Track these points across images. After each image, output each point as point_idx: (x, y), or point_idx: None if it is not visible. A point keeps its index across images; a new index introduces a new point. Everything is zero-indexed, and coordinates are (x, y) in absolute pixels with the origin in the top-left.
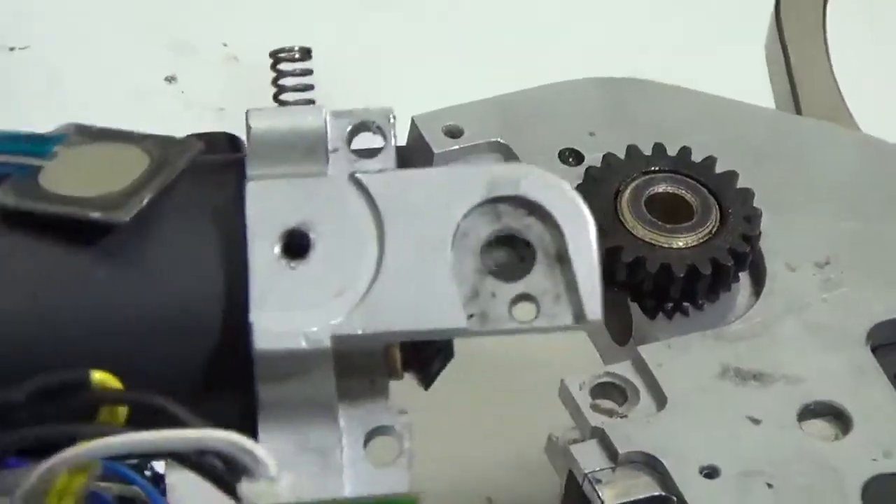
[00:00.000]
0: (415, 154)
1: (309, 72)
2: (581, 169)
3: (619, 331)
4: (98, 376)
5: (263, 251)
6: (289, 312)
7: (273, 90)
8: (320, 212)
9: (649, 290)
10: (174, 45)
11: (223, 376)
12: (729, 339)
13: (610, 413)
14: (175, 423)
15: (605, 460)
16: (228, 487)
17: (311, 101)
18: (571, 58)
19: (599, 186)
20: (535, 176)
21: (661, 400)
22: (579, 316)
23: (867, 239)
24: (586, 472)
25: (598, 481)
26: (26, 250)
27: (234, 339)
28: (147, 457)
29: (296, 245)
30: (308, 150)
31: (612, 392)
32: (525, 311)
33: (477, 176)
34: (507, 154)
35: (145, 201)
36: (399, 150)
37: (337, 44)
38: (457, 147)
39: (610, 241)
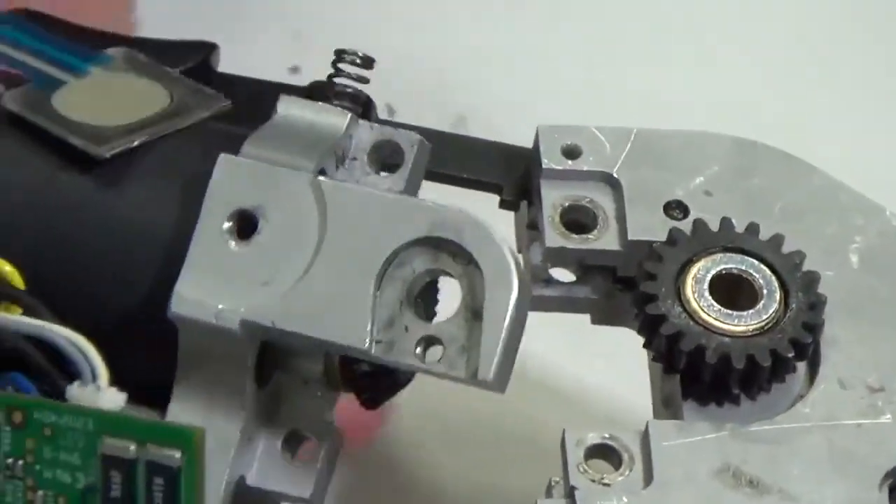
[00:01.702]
0: (533, 160)
1: (365, 80)
2: (682, 223)
3: (662, 394)
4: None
5: (213, 222)
6: (214, 286)
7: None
8: (276, 202)
9: (683, 369)
10: (297, 36)
11: (150, 330)
12: (744, 439)
13: (596, 478)
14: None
15: None
16: (55, 387)
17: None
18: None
19: (675, 251)
20: (478, 229)
21: (649, 478)
22: (473, 374)
23: None
24: None
25: None
26: (15, 155)
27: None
28: None
29: (244, 226)
30: (310, 145)
31: (610, 455)
32: (433, 352)
33: (422, 212)
34: (616, 189)
35: (135, 143)
36: (525, 150)
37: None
38: (566, 168)
39: (656, 308)
